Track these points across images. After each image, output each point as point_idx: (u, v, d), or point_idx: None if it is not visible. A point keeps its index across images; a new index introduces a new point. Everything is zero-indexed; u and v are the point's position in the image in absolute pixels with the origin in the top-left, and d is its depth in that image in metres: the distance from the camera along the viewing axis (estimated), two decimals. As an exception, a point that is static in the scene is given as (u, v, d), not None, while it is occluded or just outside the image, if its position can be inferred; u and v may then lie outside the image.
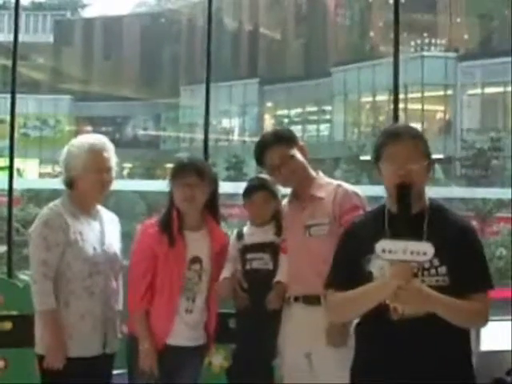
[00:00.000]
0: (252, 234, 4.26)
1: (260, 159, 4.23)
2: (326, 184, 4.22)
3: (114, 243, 4.22)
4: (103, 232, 4.16)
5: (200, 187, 4.14)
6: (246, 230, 4.31)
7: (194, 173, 4.14)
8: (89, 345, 4.02)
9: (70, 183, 4.14)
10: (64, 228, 3.99)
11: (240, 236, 4.28)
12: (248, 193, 4.27)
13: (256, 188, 4.27)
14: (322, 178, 4.26)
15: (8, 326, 5.07)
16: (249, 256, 4.20)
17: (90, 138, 4.21)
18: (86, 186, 4.11)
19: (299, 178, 4.16)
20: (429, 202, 3.43)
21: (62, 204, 4.11)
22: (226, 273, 4.20)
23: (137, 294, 4.08)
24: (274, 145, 4.17)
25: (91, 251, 4.04)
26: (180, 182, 4.14)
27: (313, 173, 4.24)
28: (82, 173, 4.10)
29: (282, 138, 4.20)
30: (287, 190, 4.35)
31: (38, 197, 30.57)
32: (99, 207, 4.25)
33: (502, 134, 33.32)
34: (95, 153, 4.11)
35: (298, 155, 4.17)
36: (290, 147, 4.17)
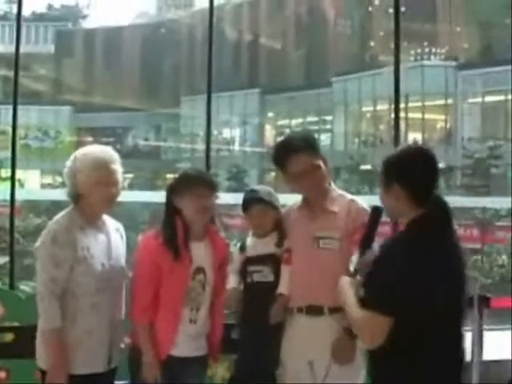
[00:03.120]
0: (253, 245, 4.23)
1: (283, 163, 4.14)
2: (339, 197, 4.17)
3: (121, 255, 4.19)
4: (109, 245, 4.11)
5: (211, 198, 4.15)
6: (248, 241, 4.28)
7: (206, 184, 4.15)
8: (95, 361, 3.99)
9: (75, 197, 4.06)
10: (72, 244, 3.93)
11: (242, 248, 4.25)
12: (245, 207, 4.24)
13: (251, 201, 4.22)
14: (334, 189, 4.20)
15: (10, 337, 5.07)
16: (250, 268, 4.17)
17: (96, 151, 4.11)
18: (93, 201, 4.03)
19: (320, 189, 4.11)
20: None
21: (69, 217, 4.03)
22: (233, 282, 4.19)
23: (140, 306, 4.06)
24: (302, 151, 4.07)
25: (99, 268, 3.99)
26: (193, 193, 4.11)
27: (328, 184, 4.22)
28: (89, 188, 4.01)
29: (311, 146, 4.13)
30: (287, 200, 4.35)
31: (39, 207, 30.60)
32: (104, 217, 4.19)
33: (501, 142, 33.27)
34: (102, 167, 4.03)
35: (323, 166, 4.11)
36: (318, 156, 4.12)
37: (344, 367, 3.90)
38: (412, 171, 3.41)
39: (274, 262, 4.17)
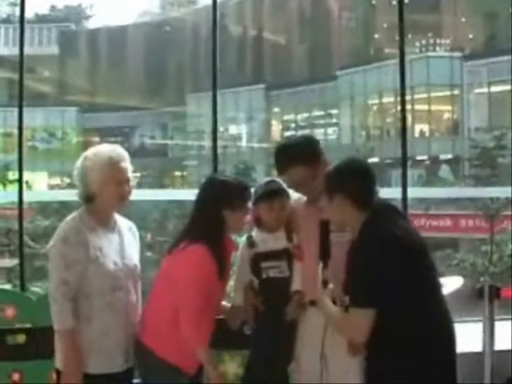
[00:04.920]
0: (265, 241, 4.18)
1: (278, 172, 4.18)
2: None
3: (134, 254, 4.16)
4: (122, 244, 4.10)
5: None
6: (255, 236, 4.23)
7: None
8: (112, 361, 3.99)
9: (88, 197, 4.05)
10: (84, 245, 3.91)
11: (252, 243, 4.20)
12: (268, 197, 4.16)
13: (277, 193, 4.17)
14: None
15: (22, 338, 5.08)
16: (264, 264, 4.13)
17: (106, 150, 4.10)
18: (106, 200, 4.02)
19: (318, 192, 4.07)
20: None
21: (81, 218, 4.02)
22: (237, 298, 4.21)
23: (206, 328, 3.98)
24: (293, 165, 4.10)
25: (112, 267, 3.97)
26: (245, 208, 4.12)
27: None
28: (101, 187, 4.00)
29: (304, 157, 4.11)
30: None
31: (47, 209, 30.60)
32: (116, 216, 4.17)
33: (506, 132, 33.15)
34: (114, 165, 4.02)
35: (319, 173, 4.04)
36: (311, 164, 4.10)
37: (347, 360, 3.90)
38: (351, 181, 3.76)
39: (288, 257, 4.16)
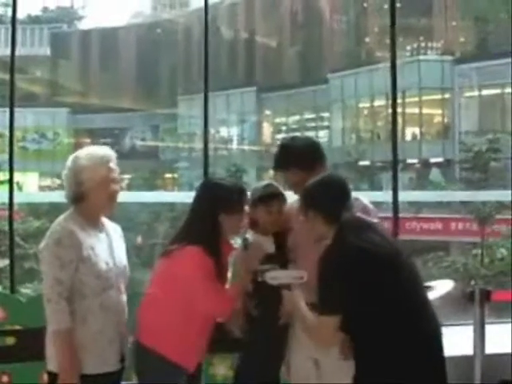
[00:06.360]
0: (261, 244, 4.17)
1: (278, 171, 4.22)
2: None
3: (122, 255, 4.18)
4: (111, 245, 4.11)
5: None
6: (251, 239, 4.21)
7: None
8: (107, 360, 3.98)
9: (79, 197, 4.04)
10: (76, 245, 3.92)
11: (247, 246, 4.17)
12: (266, 200, 4.18)
13: (275, 196, 4.19)
14: None
15: (11, 340, 5.07)
16: (259, 267, 4.09)
17: (99, 150, 4.13)
18: (99, 199, 4.03)
19: None
20: None
21: (72, 219, 4.02)
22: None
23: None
24: (290, 168, 4.15)
25: (104, 266, 3.98)
26: (242, 212, 4.13)
27: None
28: (94, 186, 4.01)
29: (301, 160, 4.15)
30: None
31: (38, 210, 30.51)
32: (103, 218, 4.18)
33: (500, 136, 33.22)
34: (106, 165, 4.05)
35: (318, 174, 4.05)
36: (311, 171, 4.09)
37: (339, 363, 3.90)
38: (324, 198, 3.83)
39: (283, 260, 4.16)
